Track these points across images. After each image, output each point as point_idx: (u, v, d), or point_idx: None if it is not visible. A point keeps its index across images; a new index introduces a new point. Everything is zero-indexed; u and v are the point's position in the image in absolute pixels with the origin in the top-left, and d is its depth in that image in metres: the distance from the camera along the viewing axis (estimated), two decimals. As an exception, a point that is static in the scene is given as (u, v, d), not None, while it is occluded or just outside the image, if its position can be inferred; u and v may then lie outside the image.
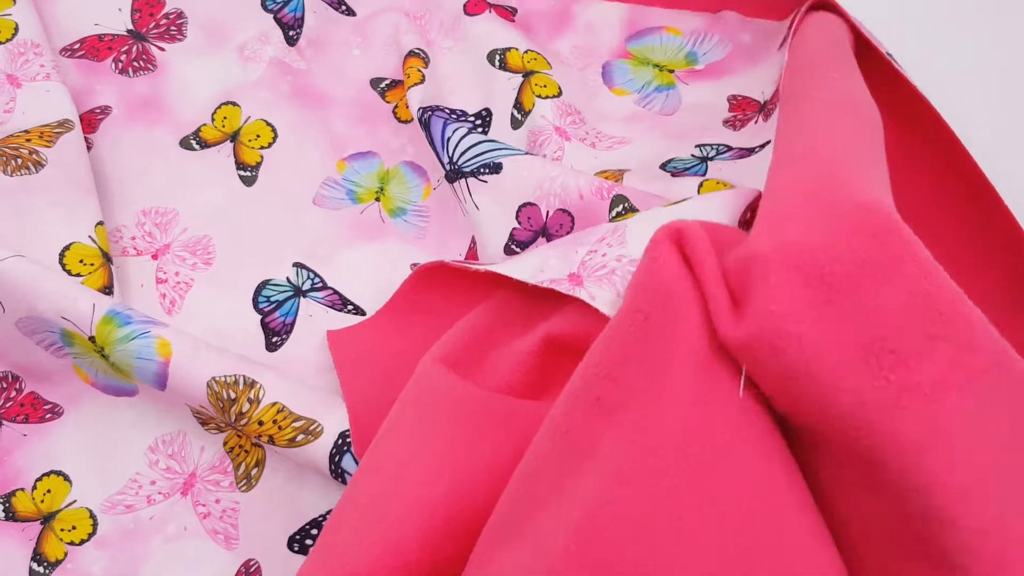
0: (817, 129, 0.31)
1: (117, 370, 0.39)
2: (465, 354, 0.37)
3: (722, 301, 0.26)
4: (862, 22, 0.42)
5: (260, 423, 0.38)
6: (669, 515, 0.24)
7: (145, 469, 0.41)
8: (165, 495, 0.40)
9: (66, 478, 0.40)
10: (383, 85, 0.52)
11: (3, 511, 0.39)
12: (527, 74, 0.50)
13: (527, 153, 0.44)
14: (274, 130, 0.50)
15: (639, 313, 0.27)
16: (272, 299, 0.45)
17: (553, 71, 0.51)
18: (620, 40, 0.53)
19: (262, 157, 0.49)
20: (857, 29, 0.41)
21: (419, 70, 0.49)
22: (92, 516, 0.40)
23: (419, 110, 0.47)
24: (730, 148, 0.47)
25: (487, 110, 0.50)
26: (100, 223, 0.43)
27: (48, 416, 0.41)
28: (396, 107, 0.51)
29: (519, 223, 0.43)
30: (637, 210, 0.40)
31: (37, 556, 0.39)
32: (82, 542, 0.39)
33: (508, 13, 0.54)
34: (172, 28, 0.52)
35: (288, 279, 0.46)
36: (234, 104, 0.50)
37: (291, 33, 0.52)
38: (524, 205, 0.43)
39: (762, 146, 0.46)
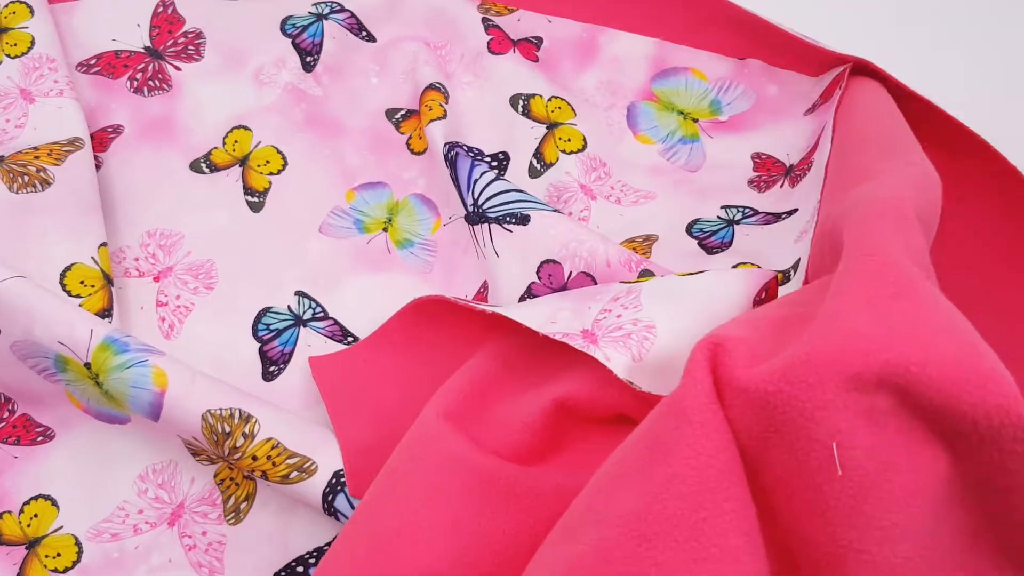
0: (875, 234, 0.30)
1: (110, 398, 0.39)
2: (469, 407, 0.36)
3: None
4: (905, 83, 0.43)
5: (254, 458, 0.37)
6: None
7: (133, 497, 0.40)
8: (152, 524, 0.40)
9: (54, 503, 0.40)
10: (398, 116, 0.52)
11: (-11, 533, 0.39)
12: (551, 126, 0.50)
13: (555, 211, 0.43)
14: (284, 157, 0.49)
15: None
16: (272, 327, 0.45)
17: (577, 119, 0.51)
18: (646, 79, 0.53)
19: (271, 183, 0.49)
20: (902, 90, 0.42)
21: (441, 104, 0.49)
22: (77, 543, 0.39)
23: (445, 146, 0.47)
24: (756, 212, 0.47)
25: (504, 154, 0.50)
26: (103, 244, 0.43)
27: (40, 439, 0.41)
28: (410, 138, 0.51)
29: (539, 278, 0.42)
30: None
31: (20, 581, 0.38)
32: (66, 570, 0.39)
33: (532, 47, 0.53)
34: (190, 47, 0.51)
35: (289, 307, 0.45)
36: (246, 128, 0.50)
37: (308, 59, 0.52)
38: (546, 261, 0.42)
39: (789, 214, 0.46)
